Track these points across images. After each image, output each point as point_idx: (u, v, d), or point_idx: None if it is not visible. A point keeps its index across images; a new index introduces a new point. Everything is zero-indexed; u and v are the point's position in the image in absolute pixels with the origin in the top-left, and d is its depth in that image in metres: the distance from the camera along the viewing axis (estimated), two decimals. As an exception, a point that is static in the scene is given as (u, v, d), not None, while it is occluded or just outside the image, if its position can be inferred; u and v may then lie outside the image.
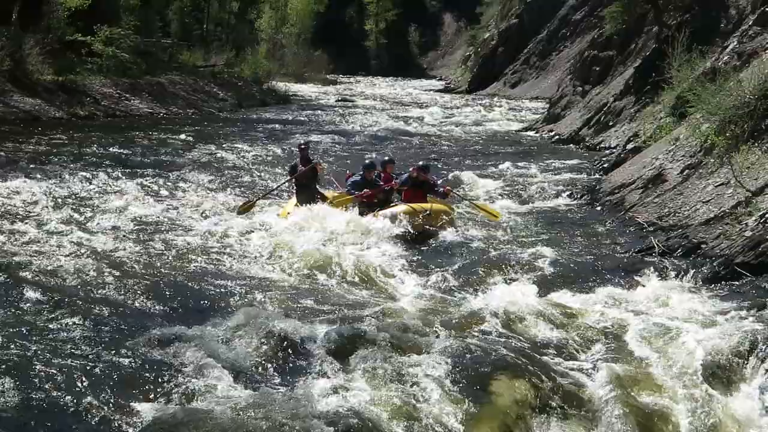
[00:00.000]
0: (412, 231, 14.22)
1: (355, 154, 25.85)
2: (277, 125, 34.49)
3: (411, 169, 15.98)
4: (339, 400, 7.71)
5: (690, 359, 9.07)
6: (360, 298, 11.14)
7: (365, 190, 15.43)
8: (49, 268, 11.03)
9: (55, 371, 7.64)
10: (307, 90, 62.07)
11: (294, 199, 16.26)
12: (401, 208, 14.81)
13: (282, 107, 44.68)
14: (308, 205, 15.31)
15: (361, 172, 15.85)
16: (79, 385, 7.49)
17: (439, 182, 16.48)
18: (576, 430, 7.91)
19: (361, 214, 15.06)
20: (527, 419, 7.95)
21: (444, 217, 14.96)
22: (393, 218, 14.39)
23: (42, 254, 11.81)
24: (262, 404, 7.42)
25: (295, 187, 16.85)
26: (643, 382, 8.62)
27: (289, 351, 8.80)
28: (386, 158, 17.21)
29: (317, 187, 16.50)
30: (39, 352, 8.08)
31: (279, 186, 18.32)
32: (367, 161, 16.70)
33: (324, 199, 15.91)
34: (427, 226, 14.50)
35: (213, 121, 35.16)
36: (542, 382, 8.39)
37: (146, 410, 7.27)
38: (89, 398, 7.28)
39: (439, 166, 23.55)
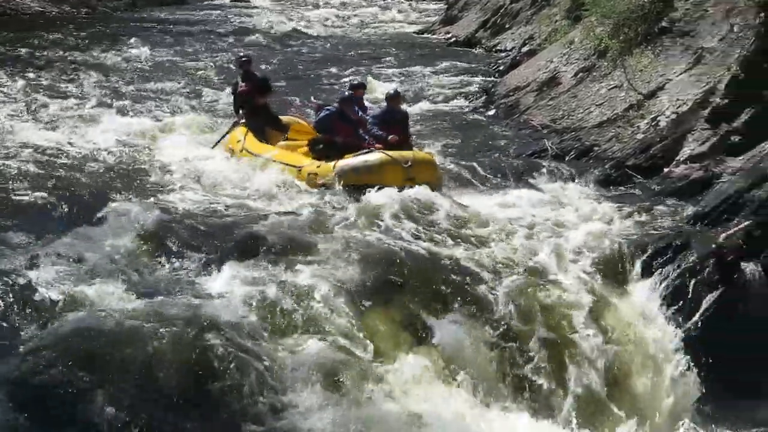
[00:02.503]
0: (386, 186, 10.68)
1: (256, 60, 25.15)
2: (174, 26, 33.14)
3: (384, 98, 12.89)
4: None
5: (582, 258, 9.23)
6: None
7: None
8: None
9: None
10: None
11: (241, 129, 13.07)
12: (374, 157, 11.13)
13: (178, 7, 43.08)
14: (261, 136, 12.72)
15: (335, 105, 12.42)
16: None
17: None
18: (472, 331, 7.96)
19: (325, 158, 11.57)
20: (423, 321, 7.97)
21: (428, 171, 11.26)
22: (361, 170, 11.04)
23: None
24: (156, 309, 7.18)
25: (241, 111, 13.55)
26: (537, 282, 8.71)
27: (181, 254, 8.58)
28: (355, 81, 14.36)
29: (271, 112, 13.38)
30: None
31: (230, 129, 13.55)
32: (354, 82, 14.10)
33: (282, 129, 13.19)
34: (408, 182, 10.82)
35: (108, 21, 33.59)
36: (439, 286, 8.39)
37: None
38: None
39: (335, 70, 23.11)
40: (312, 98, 16.43)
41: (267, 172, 11.63)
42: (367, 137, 11.76)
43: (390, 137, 11.56)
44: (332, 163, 11.17)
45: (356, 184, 10.85)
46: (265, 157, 11.98)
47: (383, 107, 12.61)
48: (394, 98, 12.30)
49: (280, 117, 13.51)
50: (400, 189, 10.45)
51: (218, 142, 13.27)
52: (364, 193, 10.49)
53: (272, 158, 11.91)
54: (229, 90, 15.79)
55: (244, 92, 13.62)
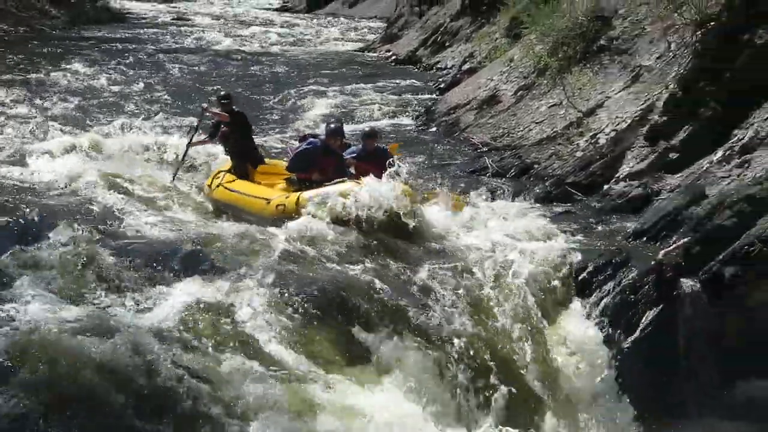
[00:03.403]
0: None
1: (198, 78, 24.86)
2: (114, 44, 32.75)
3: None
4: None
5: (520, 277, 9.14)
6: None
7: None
8: None
9: None
10: (140, 8, 59.44)
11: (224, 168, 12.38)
12: (345, 187, 10.11)
13: (117, 25, 42.63)
14: (244, 175, 12.05)
15: (321, 137, 11.41)
16: None
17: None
18: (409, 347, 7.84)
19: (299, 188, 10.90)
20: (361, 337, 7.88)
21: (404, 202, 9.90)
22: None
23: None
24: (94, 326, 6.94)
25: (223, 147, 12.99)
26: (475, 299, 8.60)
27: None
28: (332, 124, 11.76)
29: (258, 153, 12.82)
30: None
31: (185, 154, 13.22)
32: (366, 129, 12.49)
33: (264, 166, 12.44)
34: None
35: (47, 40, 33.00)
36: (376, 304, 8.23)
37: None
38: None
39: (277, 89, 22.95)
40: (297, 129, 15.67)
41: (231, 205, 11.29)
42: (351, 172, 10.95)
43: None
44: (299, 194, 10.32)
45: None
46: (237, 192, 11.40)
47: (359, 146, 11.55)
48: (370, 137, 11.49)
49: (266, 159, 12.79)
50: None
51: (176, 173, 12.90)
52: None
53: (244, 192, 11.34)
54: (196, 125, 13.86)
55: (226, 134, 12.51)
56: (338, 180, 10.39)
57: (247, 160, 12.30)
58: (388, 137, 17.07)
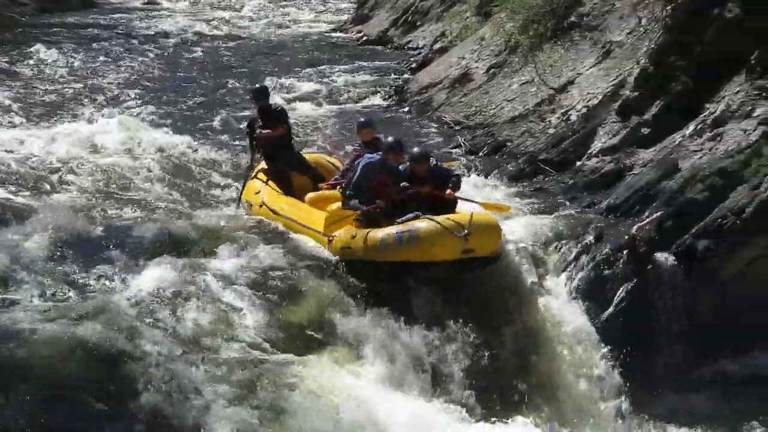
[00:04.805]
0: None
1: (169, 63, 24.48)
2: (85, 30, 32.20)
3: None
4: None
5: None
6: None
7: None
8: None
9: None
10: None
11: (261, 175, 10.71)
12: (421, 226, 8.31)
13: (88, 11, 42.04)
14: (285, 185, 10.48)
15: (378, 153, 9.20)
16: None
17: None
18: (378, 328, 7.96)
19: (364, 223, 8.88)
20: (330, 320, 8.01)
21: (490, 238, 8.49)
22: (405, 242, 8.28)
23: None
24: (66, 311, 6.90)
25: (260, 151, 10.97)
26: (448, 276, 8.50)
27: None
28: (362, 120, 10.73)
29: (296, 151, 11.12)
30: None
31: (248, 177, 11.08)
32: (389, 139, 9.29)
33: (310, 172, 10.72)
34: (465, 255, 8.32)
35: (15, 26, 32.43)
36: (344, 287, 8.38)
37: None
38: None
39: (250, 73, 22.72)
40: (346, 147, 13.02)
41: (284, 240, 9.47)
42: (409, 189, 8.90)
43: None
44: (366, 233, 8.55)
45: (398, 260, 8.45)
46: (286, 217, 9.73)
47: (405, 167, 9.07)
48: (418, 162, 8.90)
49: (305, 155, 11.22)
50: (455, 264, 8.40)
51: (239, 198, 10.97)
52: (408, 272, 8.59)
53: (295, 219, 9.62)
54: (243, 125, 12.49)
55: (265, 137, 10.66)
56: (410, 214, 8.52)
57: (287, 163, 10.70)
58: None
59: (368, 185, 8.85)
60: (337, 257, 8.74)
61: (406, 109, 17.24)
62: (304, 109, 17.46)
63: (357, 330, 7.84)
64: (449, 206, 8.72)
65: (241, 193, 10.84)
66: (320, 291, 8.21)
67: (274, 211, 9.87)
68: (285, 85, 20.18)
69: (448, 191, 8.72)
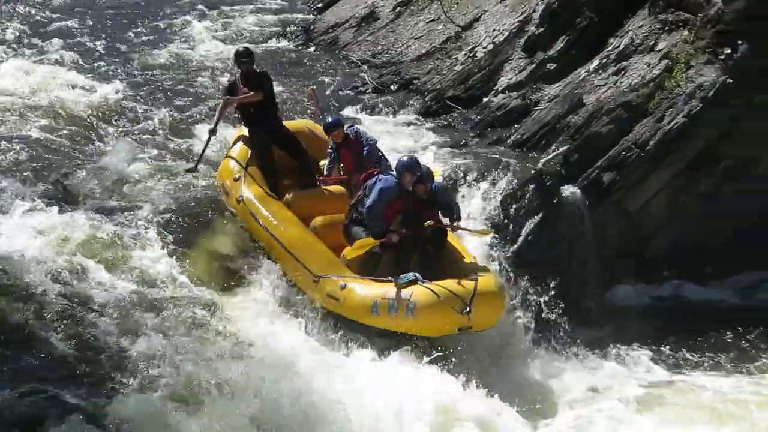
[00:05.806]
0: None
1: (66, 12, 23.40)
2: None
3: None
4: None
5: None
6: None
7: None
8: None
9: None
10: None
11: (241, 151, 9.51)
12: (416, 298, 7.27)
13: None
14: (268, 166, 9.34)
15: (391, 173, 8.17)
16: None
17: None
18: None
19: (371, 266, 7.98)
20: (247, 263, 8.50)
21: (491, 312, 7.50)
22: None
23: None
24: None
25: (239, 115, 9.88)
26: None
27: None
28: (329, 120, 9.21)
29: (278, 119, 9.82)
30: None
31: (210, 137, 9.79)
32: (405, 158, 8.07)
33: (294, 149, 9.48)
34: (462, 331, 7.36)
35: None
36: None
37: None
38: None
39: (139, 16, 21.62)
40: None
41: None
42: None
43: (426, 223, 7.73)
44: (356, 286, 7.60)
45: (388, 329, 7.47)
46: (268, 231, 8.49)
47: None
48: (423, 182, 7.85)
49: (288, 123, 10.04)
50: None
51: (197, 163, 9.87)
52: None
53: (281, 242, 8.33)
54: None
55: (242, 101, 9.44)
56: (407, 278, 7.39)
57: (270, 132, 9.47)
58: (265, 57, 16.66)
59: (387, 225, 7.83)
60: (319, 305, 7.80)
61: (312, 49, 16.96)
62: (207, 51, 16.95)
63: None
64: (443, 235, 7.92)
65: (202, 153, 9.73)
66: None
67: (253, 215, 8.65)
68: (186, 27, 19.54)
69: (455, 224, 7.88)
